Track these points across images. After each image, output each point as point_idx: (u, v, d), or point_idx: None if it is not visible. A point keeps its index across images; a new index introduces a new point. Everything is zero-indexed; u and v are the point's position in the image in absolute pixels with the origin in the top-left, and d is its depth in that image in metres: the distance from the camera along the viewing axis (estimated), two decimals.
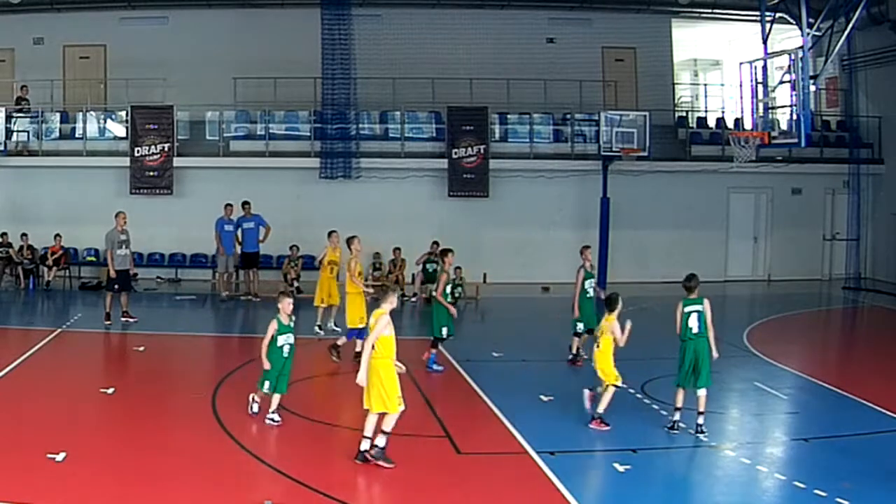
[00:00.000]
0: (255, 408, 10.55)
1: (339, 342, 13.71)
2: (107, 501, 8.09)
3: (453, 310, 13.59)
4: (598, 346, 10.72)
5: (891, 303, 21.32)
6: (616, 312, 10.65)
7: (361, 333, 13.46)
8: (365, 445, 9.03)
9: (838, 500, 8.27)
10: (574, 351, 13.93)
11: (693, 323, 10.27)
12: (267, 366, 10.18)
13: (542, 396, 11.85)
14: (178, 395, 12.26)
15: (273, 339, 10.16)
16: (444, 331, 13.33)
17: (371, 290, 13.76)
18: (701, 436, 10.13)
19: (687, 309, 10.32)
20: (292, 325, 10.41)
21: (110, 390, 11.67)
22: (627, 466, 9.19)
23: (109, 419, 10.86)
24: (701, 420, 10.24)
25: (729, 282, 23.57)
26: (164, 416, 10.91)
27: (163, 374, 13.55)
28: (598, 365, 10.63)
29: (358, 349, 13.50)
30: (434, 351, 13.46)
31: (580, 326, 13.83)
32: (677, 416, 10.40)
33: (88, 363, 14.34)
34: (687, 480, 9.39)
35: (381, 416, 8.98)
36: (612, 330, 10.51)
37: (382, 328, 8.96)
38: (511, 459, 9.51)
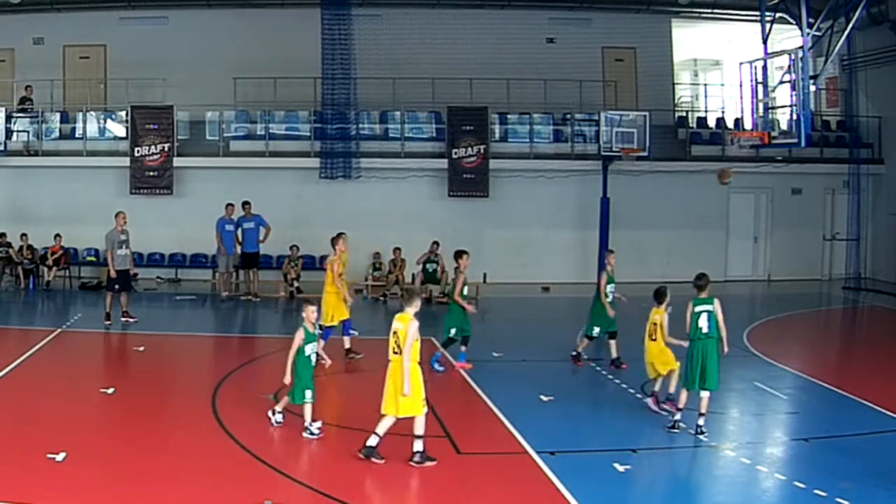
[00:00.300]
0: (285, 418, 10.28)
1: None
2: (107, 501, 8.08)
3: (471, 308, 13.72)
4: (652, 339, 10.97)
5: (891, 303, 21.32)
6: (665, 305, 10.99)
7: (348, 329, 13.61)
8: (372, 441, 9.06)
9: (838, 500, 8.26)
10: (579, 350, 13.92)
11: (703, 323, 10.21)
12: (288, 379, 10.02)
13: (542, 396, 11.84)
14: (178, 395, 12.26)
15: (300, 349, 10.03)
16: (453, 331, 13.44)
17: (349, 298, 13.74)
18: (701, 436, 10.12)
19: (697, 309, 10.28)
20: (317, 332, 10.39)
21: (110, 390, 11.66)
22: (627, 466, 9.18)
23: (109, 419, 10.85)
24: (701, 421, 10.21)
25: (729, 282, 23.52)
26: (164, 416, 10.89)
27: (163, 374, 13.55)
28: (655, 357, 10.97)
29: (347, 346, 13.61)
30: (439, 352, 13.52)
31: (596, 330, 13.79)
32: (678, 416, 10.39)
33: (88, 363, 14.32)
34: (687, 480, 9.38)
35: (398, 420, 9.05)
36: (663, 323, 10.86)
37: (414, 333, 9.01)
38: (511, 459, 9.50)
